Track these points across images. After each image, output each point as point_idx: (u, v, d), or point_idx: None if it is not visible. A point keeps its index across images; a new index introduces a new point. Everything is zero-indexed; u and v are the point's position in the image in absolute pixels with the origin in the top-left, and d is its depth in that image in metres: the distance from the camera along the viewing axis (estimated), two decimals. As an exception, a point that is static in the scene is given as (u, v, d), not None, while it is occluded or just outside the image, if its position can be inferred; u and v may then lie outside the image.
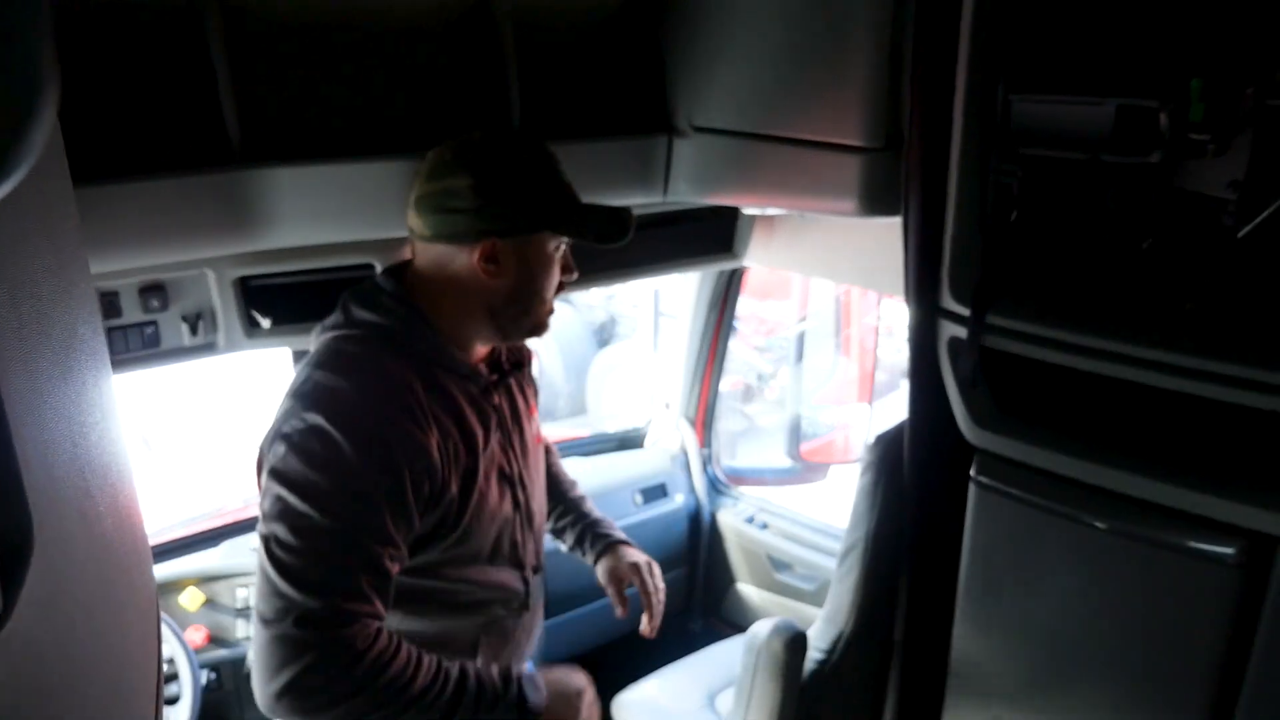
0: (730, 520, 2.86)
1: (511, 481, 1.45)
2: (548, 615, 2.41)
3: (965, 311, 1.27)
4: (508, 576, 1.47)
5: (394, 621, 1.33)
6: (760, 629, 1.73)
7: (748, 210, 2.16)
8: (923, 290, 1.33)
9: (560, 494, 1.82)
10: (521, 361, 1.56)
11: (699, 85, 1.75)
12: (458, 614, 1.43)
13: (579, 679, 1.43)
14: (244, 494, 2.52)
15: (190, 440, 4.34)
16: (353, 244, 1.63)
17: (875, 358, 3.91)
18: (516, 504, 1.46)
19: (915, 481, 1.43)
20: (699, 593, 3.01)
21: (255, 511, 1.26)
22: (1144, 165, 1.11)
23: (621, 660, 2.72)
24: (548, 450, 1.80)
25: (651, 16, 1.76)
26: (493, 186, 1.30)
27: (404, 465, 1.22)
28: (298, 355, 1.72)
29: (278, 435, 1.23)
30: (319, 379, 1.25)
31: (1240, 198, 1.08)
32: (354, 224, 1.56)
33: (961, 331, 1.28)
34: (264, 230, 1.50)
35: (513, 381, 1.50)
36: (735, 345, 3.11)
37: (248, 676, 2.19)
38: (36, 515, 0.37)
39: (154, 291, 1.55)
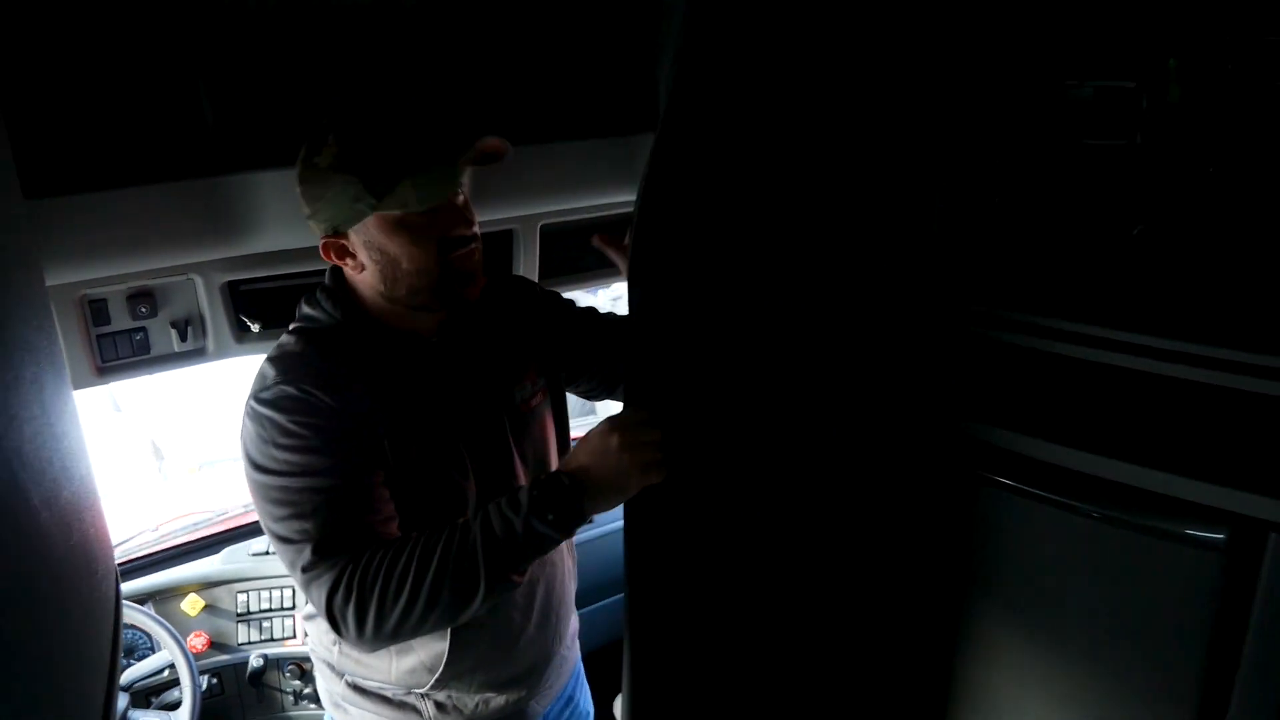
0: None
1: (463, 450, 1.37)
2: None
3: (953, 300, 1.25)
4: None
5: None
6: None
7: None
8: (906, 279, 1.32)
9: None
10: (505, 325, 1.49)
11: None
12: None
13: (602, 427, 1.22)
14: (244, 500, 2.53)
15: (198, 447, 4.36)
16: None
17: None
18: (475, 469, 1.38)
19: (900, 478, 1.41)
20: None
21: (253, 518, 1.28)
22: (1126, 147, 1.09)
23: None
24: (590, 312, 1.66)
25: (643, 10, 1.76)
26: (308, 187, 1.26)
27: (341, 426, 1.25)
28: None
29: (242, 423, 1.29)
30: (262, 369, 1.31)
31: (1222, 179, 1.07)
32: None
33: (951, 321, 1.26)
34: (249, 235, 1.50)
35: (483, 349, 1.44)
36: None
37: (250, 680, 2.19)
38: None
39: (142, 298, 1.56)
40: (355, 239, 1.27)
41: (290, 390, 1.24)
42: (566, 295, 1.70)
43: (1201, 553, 1.10)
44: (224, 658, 2.22)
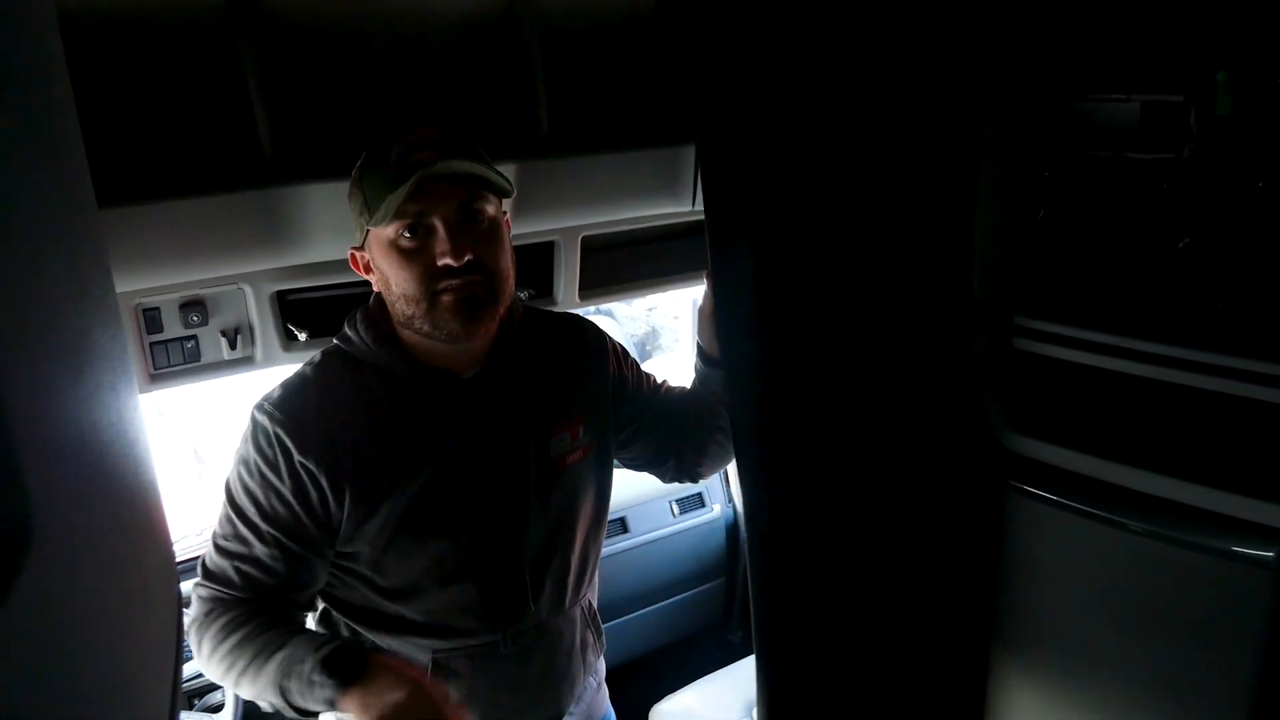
0: (769, 530, 2.84)
1: (469, 500, 1.34)
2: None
3: (995, 313, 1.25)
4: (463, 611, 1.37)
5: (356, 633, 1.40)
6: None
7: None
8: (951, 292, 1.32)
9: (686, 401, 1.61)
10: (558, 371, 1.44)
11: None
12: (403, 636, 1.38)
13: (413, 675, 1.20)
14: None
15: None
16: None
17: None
18: (476, 526, 1.35)
19: (942, 487, 1.41)
20: (738, 604, 2.99)
21: None
22: (1174, 161, 1.09)
23: (661, 670, 2.71)
24: (660, 384, 1.63)
25: (681, 22, 1.77)
26: (350, 199, 1.30)
27: (314, 468, 1.26)
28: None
29: None
30: (283, 380, 1.35)
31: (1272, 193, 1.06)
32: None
33: (992, 334, 1.26)
34: (299, 245, 1.53)
35: (522, 393, 1.39)
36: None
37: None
38: (38, 507, 0.38)
39: (194, 307, 1.59)
40: (369, 253, 1.30)
41: (270, 431, 1.27)
42: (607, 304, 1.70)
43: (1250, 570, 1.09)
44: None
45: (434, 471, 1.31)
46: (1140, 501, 1.18)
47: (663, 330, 5.95)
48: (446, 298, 1.25)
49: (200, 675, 2.13)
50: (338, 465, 1.27)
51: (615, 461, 1.62)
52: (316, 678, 1.17)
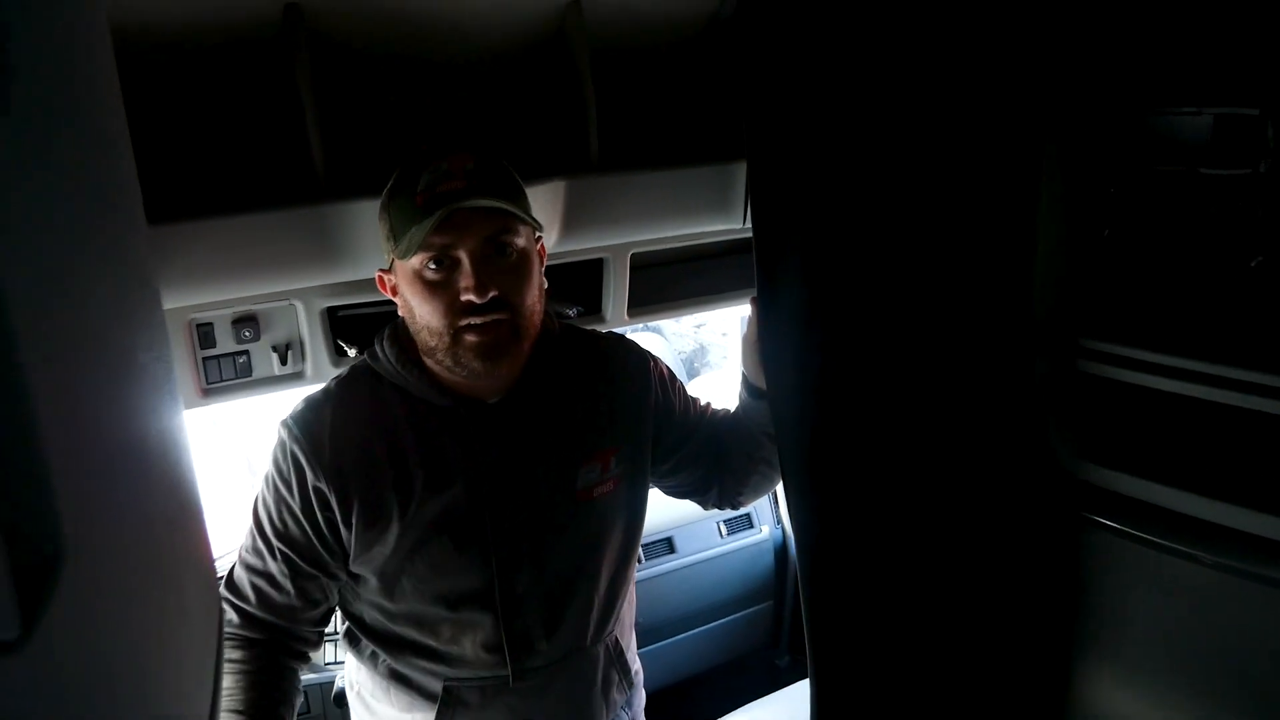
0: (818, 553, 2.79)
1: (482, 530, 1.30)
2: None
3: (1060, 336, 1.21)
4: (473, 642, 1.35)
5: (363, 658, 1.42)
6: None
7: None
8: (1011, 313, 1.27)
9: (726, 428, 1.57)
10: (572, 393, 1.39)
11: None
12: (415, 661, 1.37)
13: None
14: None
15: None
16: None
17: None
18: (488, 557, 1.31)
19: (1003, 516, 1.36)
20: (786, 628, 2.94)
21: None
22: (1248, 177, 1.04)
23: (707, 694, 2.67)
24: (705, 409, 1.59)
25: (733, 40, 1.76)
26: (379, 222, 1.28)
27: (326, 489, 1.26)
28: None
29: None
30: (309, 395, 1.36)
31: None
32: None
33: (1054, 356, 1.22)
34: (349, 262, 1.54)
35: (551, 421, 1.35)
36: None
37: (336, 699, 2.23)
38: (70, 527, 0.37)
39: (246, 323, 1.61)
40: (394, 278, 1.29)
41: (288, 447, 1.28)
42: (656, 320, 1.67)
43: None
44: (311, 676, 2.26)
45: (448, 498, 1.29)
46: (1219, 535, 1.13)
47: (711, 347, 5.94)
48: (470, 338, 1.21)
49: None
50: (349, 486, 1.26)
51: (656, 487, 1.59)
52: None
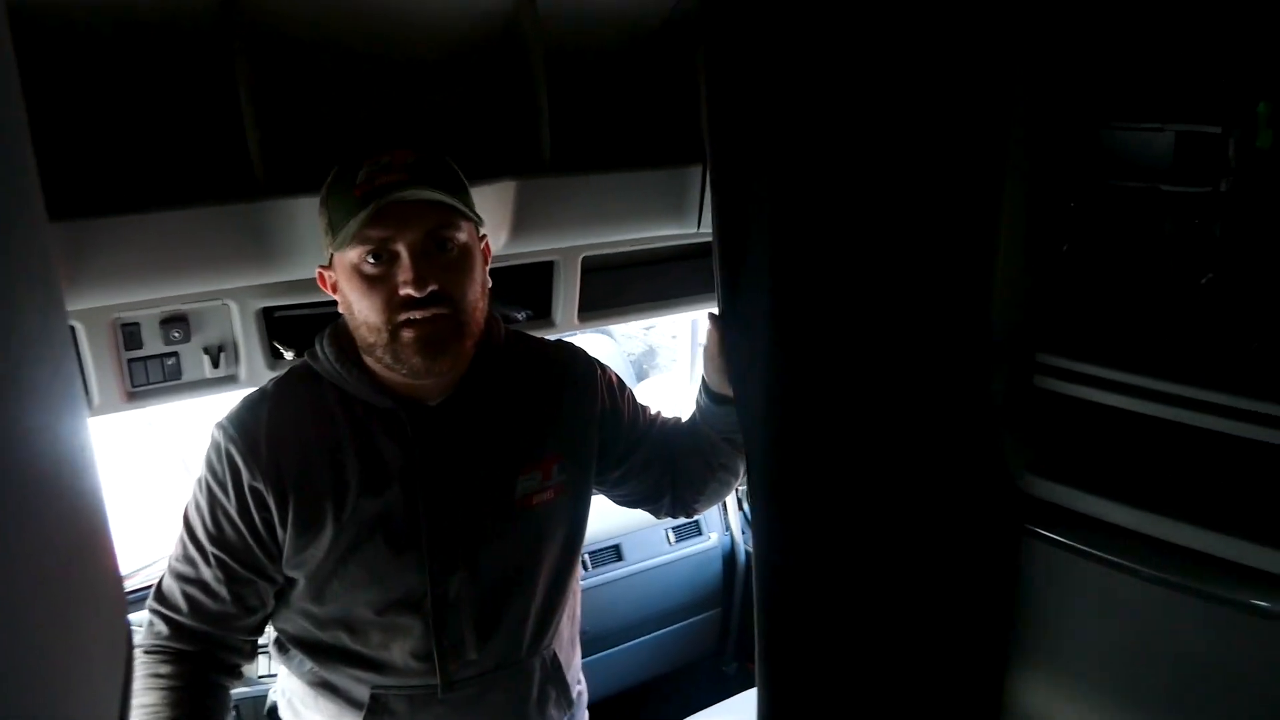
0: (767, 560, 2.78)
1: (418, 533, 1.28)
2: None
3: (1015, 350, 1.19)
4: (403, 649, 1.31)
5: (292, 665, 1.38)
6: None
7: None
8: (970, 327, 1.26)
9: (680, 437, 1.54)
10: (514, 398, 1.36)
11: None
12: (342, 668, 1.33)
13: None
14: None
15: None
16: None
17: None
18: (423, 561, 1.28)
19: (956, 529, 1.35)
20: (733, 635, 2.93)
21: None
22: (1208, 194, 1.03)
23: (654, 701, 2.65)
24: (655, 418, 1.56)
25: (689, 41, 1.72)
26: (318, 216, 1.26)
27: (262, 489, 1.24)
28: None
29: None
30: (245, 395, 1.33)
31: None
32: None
33: (1011, 371, 1.20)
34: (287, 261, 1.48)
35: (492, 425, 1.33)
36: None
37: (269, 713, 2.16)
38: None
39: (175, 323, 1.53)
40: (334, 274, 1.26)
41: (223, 448, 1.25)
42: (608, 325, 1.64)
43: (1271, 624, 1.03)
44: (243, 690, 2.17)
45: (384, 500, 1.26)
46: (1160, 550, 1.12)
47: (660, 349, 5.91)
48: (408, 333, 1.19)
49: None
50: (284, 485, 1.24)
51: (607, 497, 1.56)
52: None
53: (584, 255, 1.85)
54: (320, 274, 1.30)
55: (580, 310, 1.90)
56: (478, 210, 1.26)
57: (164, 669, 1.26)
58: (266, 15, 1.30)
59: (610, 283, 1.94)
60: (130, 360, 1.51)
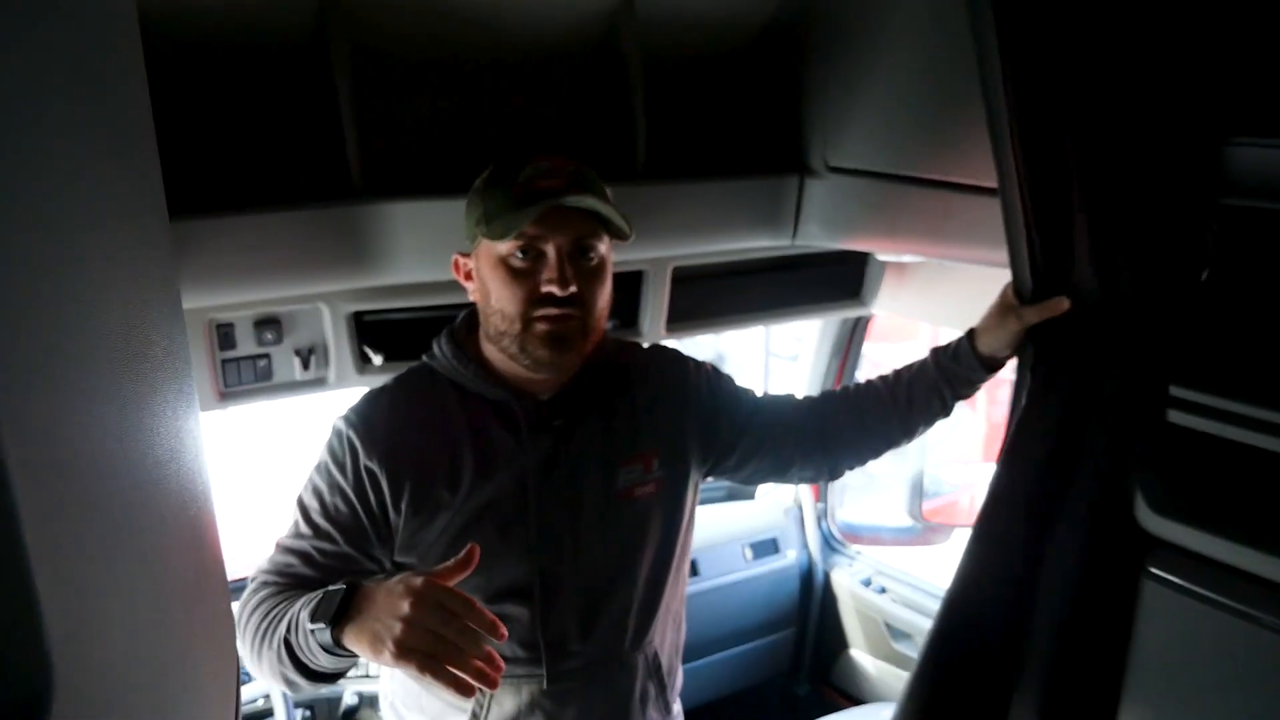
0: (845, 581, 2.70)
1: (526, 520, 1.31)
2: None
3: (1145, 382, 1.12)
4: (509, 639, 1.31)
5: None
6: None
7: (881, 256, 2.03)
8: (1088, 354, 1.19)
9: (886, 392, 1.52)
10: (617, 396, 1.40)
11: (836, 124, 1.65)
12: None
13: (407, 582, 1.06)
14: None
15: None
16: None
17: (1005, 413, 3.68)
18: (530, 548, 1.31)
19: (1073, 568, 1.28)
20: (808, 656, 2.86)
21: None
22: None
23: (724, 721, 2.59)
24: (764, 397, 1.56)
25: (788, 52, 1.68)
26: (468, 206, 1.29)
27: (377, 470, 1.28)
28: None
29: None
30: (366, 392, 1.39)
31: None
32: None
33: (1140, 403, 1.13)
34: (381, 266, 1.47)
35: (597, 421, 1.37)
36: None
37: (345, 715, 2.15)
38: (59, 652, 0.29)
39: (269, 325, 1.54)
40: (471, 260, 1.31)
41: (343, 433, 1.30)
42: (695, 336, 1.60)
43: None
44: (318, 693, 2.18)
45: (495, 488, 1.31)
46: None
47: (728, 358, 5.86)
48: (541, 326, 1.25)
49: (251, 702, 2.07)
50: (400, 470, 1.29)
51: (737, 480, 1.57)
52: (310, 625, 1.09)
53: (674, 266, 1.81)
54: (456, 261, 1.34)
55: (669, 321, 1.86)
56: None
57: (260, 596, 1.25)
58: (364, 25, 1.30)
59: (700, 293, 1.90)
60: (224, 360, 1.51)
